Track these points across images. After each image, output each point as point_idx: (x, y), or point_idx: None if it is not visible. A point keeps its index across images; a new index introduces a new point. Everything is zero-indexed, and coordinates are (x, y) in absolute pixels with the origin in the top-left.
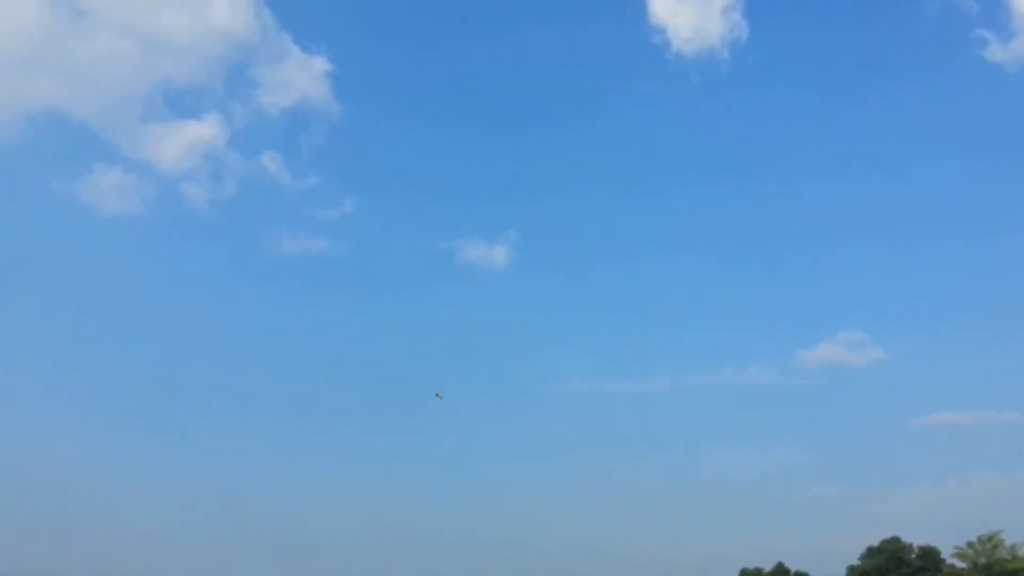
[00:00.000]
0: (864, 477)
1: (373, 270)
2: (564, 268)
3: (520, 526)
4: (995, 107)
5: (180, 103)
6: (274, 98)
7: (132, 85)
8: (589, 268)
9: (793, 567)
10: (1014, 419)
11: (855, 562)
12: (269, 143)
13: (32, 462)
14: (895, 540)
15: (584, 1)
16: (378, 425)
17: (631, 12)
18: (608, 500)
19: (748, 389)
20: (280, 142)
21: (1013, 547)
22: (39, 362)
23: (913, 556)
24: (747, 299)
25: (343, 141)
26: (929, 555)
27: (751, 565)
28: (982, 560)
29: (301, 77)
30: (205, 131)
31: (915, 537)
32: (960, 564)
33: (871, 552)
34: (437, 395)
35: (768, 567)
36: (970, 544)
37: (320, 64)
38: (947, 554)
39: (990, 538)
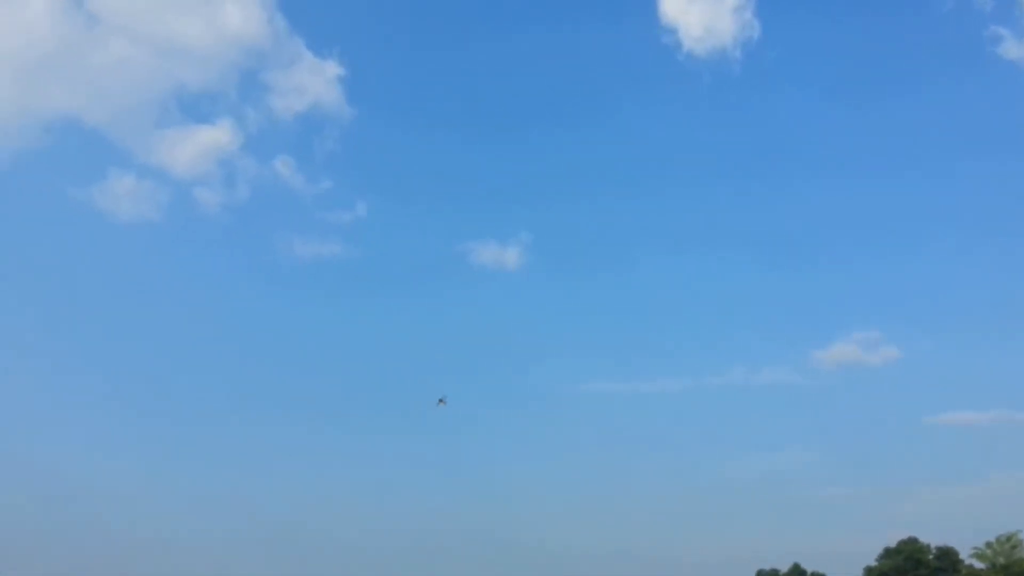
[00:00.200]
0: (880, 477)
1: (386, 273)
2: (577, 269)
3: (534, 528)
4: (1012, 105)
5: (194, 108)
6: (287, 102)
7: (146, 91)
8: (602, 269)
9: (809, 568)
10: None
11: (872, 563)
12: (282, 147)
13: (47, 465)
14: (912, 540)
15: (595, 2)
16: (391, 427)
17: (642, 12)
18: (622, 501)
19: (763, 389)
20: (293, 146)
21: None
22: (55, 366)
23: (931, 557)
24: (761, 299)
25: (356, 145)
26: (947, 555)
27: (767, 566)
28: (1000, 560)
29: (314, 81)
30: (219, 136)
31: (933, 537)
32: (979, 565)
33: (888, 553)
34: (440, 400)
35: (784, 568)
36: (988, 544)
37: (332, 68)
38: (965, 555)
39: (1008, 538)
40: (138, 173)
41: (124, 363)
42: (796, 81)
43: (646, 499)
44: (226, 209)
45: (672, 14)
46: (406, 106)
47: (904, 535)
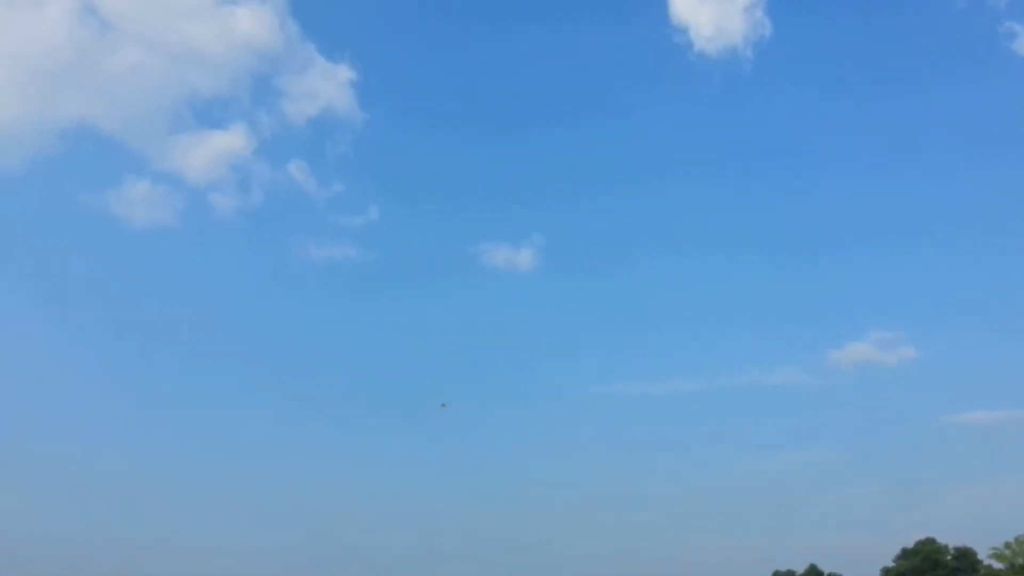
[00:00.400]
0: (898, 477)
1: (399, 275)
2: (589, 271)
3: (550, 528)
4: None
5: (207, 114)
6: (299, 107)
7: (159, 97)
8: (614, 270)
9: (826, 569)
10: None
11: (889, 563)
12: (295, 152)
13: (74, 472)
14: (930, 541)
15: (605, 3)
16: (403, 428)
17: (653, 12)
18: (637, 502)
19: (777, 390)
20: (306, 150)
21: None
22: (72, 370)
23: (949, 557)
24: (775, 300)
25: (368, 148)
26: (965, 556)
27: (783, 567)
28: (1020, 561)
29: (326, 86)
30: (232, 141)
31: (951, 538)
32: (997, 565)
33: (906, 553)
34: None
35: (801, 569)
36: (1007, 544)
37: (344, 72)
38: (983, 555)
39: None
40: (153, 179)
41: (140, 366)
42: (808, 80)
43: (661, 500)
44: (240, 213)
45: (683, 14)
46: (418, 109)
47: (922, 536)
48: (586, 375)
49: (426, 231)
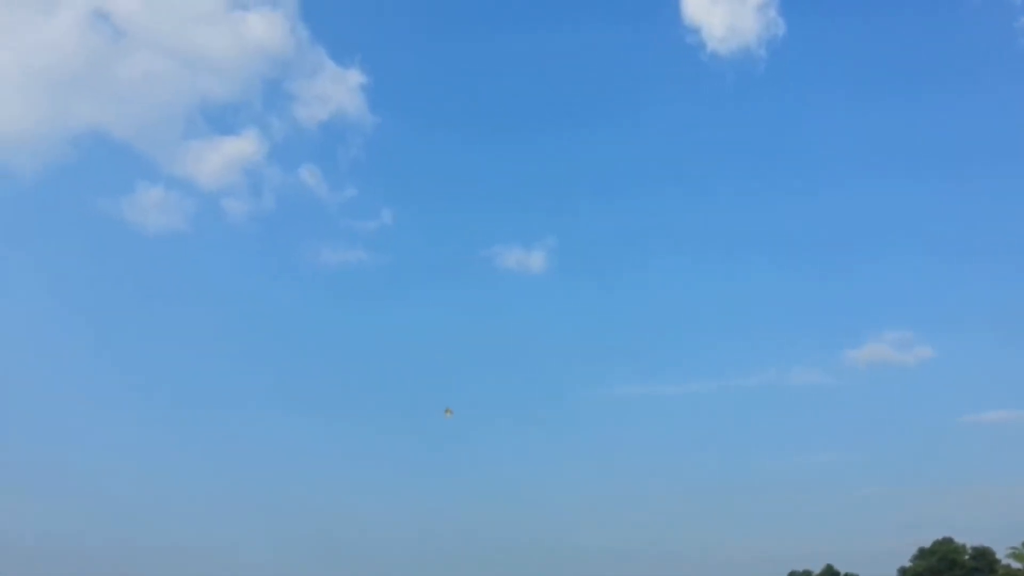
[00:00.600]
0: (915, 477)
1: (412, 279)
2: (603, 272)
3: (560, 530)
4: None
5: (219, 119)
6: (311, 112)
7: (172, 103)
8: (627, 271)
9: (843, 569)
10: None
11: (906, 564)
12: (307, 156)
13: (86, 474)
14: (948, 541)
15: (616, 3)
16: (416, 430)
17: (664, 13)
18: (652, 503)
19: (793, 390)
20: (318, 155)
21: None
22: (86, 375)
23: (967, 557)
24: (789, 300)
25: (380, 152)
26: (983, 556)
27: (799, 567)
28: None
29: (336, 90)
30: (244, 146)
31: (969, 538)
32: (1016, 565)
33: (923, 553)
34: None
35: (817, 569)
36: None
37: (355, 76)
38: (1002, 554)
39: None
40: (166, 184)
41: (154, 372)
42: (822, 79)
43: (676, 501)
44: (253, 219)
45: (695, 14)
46: (429, 112)
47: (939, 535)
48: (600, 376)
49: (438, 234)
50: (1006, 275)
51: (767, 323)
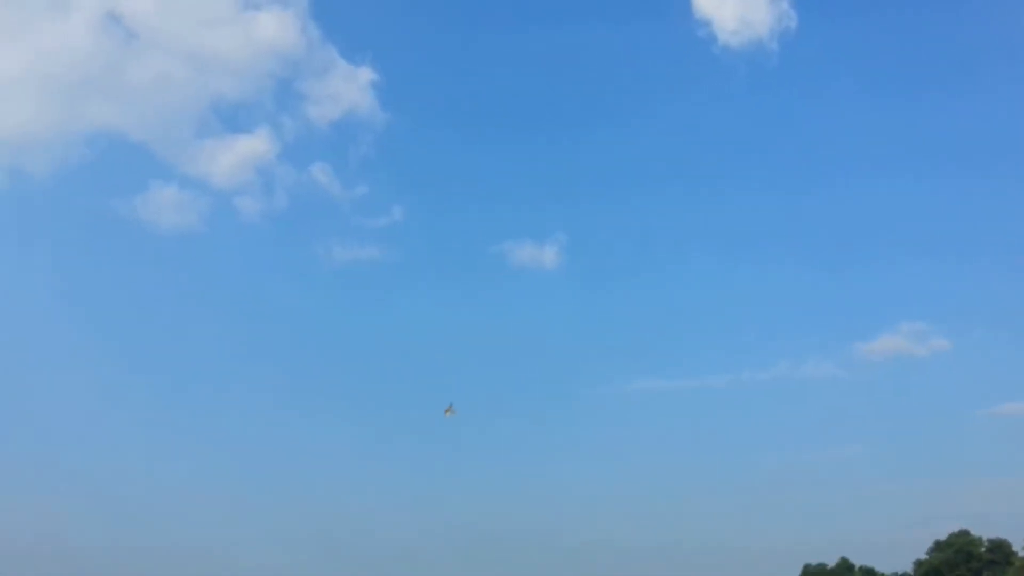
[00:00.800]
0: (930, 470)
1: (424, 275)
2: (615, 267)
3: (578, 524)
4: None
5: (231, 119)
6: (322, 110)
7: (184, 103)
8: (639, 266)
9: (858, 562)
10: None
11: (922, 556)
12: (319, 154)
13: (97, 474)
14: (964, 533)
15: None
16: (431, 427)
17: (676, 6)
18: (668, 496)
19: (809, 383)
20: (329, 153)
21: None
22: (102, 373)
23: (983, 549)
24: (802, 294)
25: (390, 149)
26: (1000, 548)
27: (814, 560)
28: None
29: (347, 88)
30: (256, 145)
31: (985, 530)
32: None
33: (939, 546)
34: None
35: (832, 562)
36: None
37: (365, 74)
38: (1018, 547)
39: None
40: (179, 184)
41: (167, 370)
42: (836, 73)
43: (692, 494)
44: (265, 217)
45: (706, 7)
46: (439, 109)
47: (955, 528)
48: (613, 371)
49: (449, 230)
50: (1022, 268)
51: (780, 316)
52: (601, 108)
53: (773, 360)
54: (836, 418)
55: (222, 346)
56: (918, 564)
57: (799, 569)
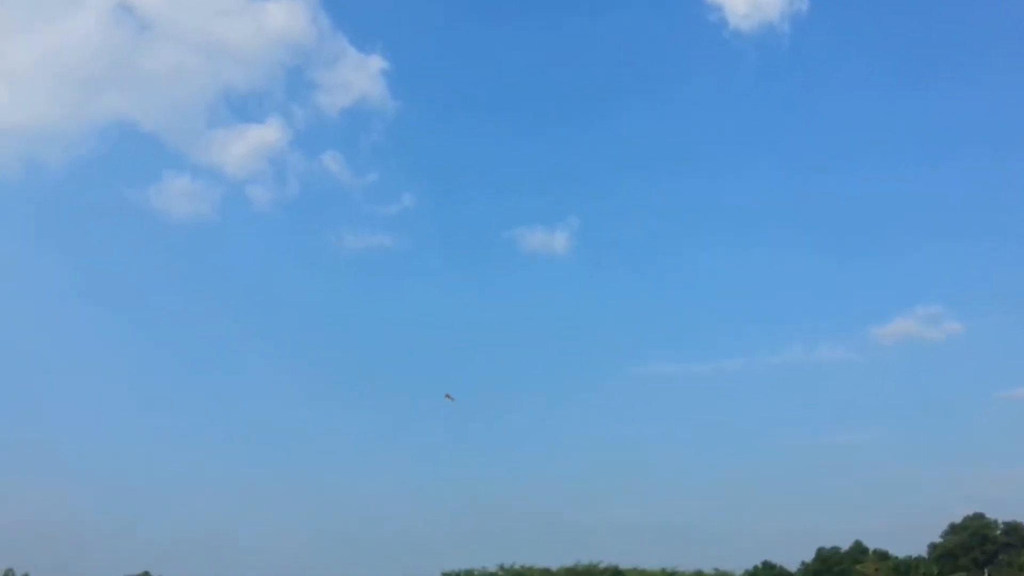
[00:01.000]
0: (945, 453)
1: (436, 262)
2: (626, 252)
3: (591, 508)
4: None
5: (243, 108)
6: (333, 99)
7: (196, 93)
8: (651, 250)
9: (872, 545)
10: None
11: (937, 539)
12: (330, 143)
13: (109, 464)
14: (979, 516)
15: None
16: (444, 415)
17: None
18: (681, 481)
19: (822, 367)
20: (340, 141)
21: None
22: (120, 365)
23: (998, 532)
24: (815, 278)
25: (401, 137)
26: (1016, 531)
27: (828, 544)
28: None
29: (358, 77)
30: (268, 134)
31: (1000, 513)
32: None
33: (954, 529)
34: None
35: (846, 545)
36: None
37: (376, 62)
38: None
39: None
40: (192, 173)
41: (179, 359)
42: (849, 57)
43: (705, 478)
44: (277, 205)
45: None
46: (450, 96)
47: (970, 511)
48: (625, 356)
49: (461, 217)
50: None
51: (793, 300)
52: (612, 94)
53: (786, 344)
54: (850, 402)
55: (234, 334)
56: (933, 547)
57: (813, 553)
